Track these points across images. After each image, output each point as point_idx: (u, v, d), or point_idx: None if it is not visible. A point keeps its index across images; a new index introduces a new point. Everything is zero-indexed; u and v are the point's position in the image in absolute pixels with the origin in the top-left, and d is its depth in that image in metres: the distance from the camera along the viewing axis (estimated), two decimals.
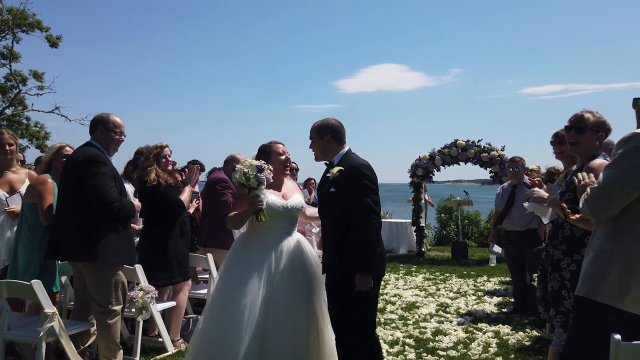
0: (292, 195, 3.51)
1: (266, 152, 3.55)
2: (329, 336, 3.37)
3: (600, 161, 2.96)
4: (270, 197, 3.37)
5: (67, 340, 3.41)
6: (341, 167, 3.19)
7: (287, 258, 3.33)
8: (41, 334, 3.27)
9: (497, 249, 6.61)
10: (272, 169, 3.30)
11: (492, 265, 9.77)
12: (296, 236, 3.50)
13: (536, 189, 3.40)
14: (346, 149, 3.35)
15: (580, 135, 3.04)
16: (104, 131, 3.73)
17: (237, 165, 3.27)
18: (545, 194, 3.29)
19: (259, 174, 3.19)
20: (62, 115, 22.11)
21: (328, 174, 3.26)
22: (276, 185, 3.51)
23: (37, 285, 3.33)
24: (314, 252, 3.54)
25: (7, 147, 4.38)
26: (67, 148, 4.31)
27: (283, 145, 3.60)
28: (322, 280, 3.42)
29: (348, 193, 3.13)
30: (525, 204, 3.47)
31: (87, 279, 3.65)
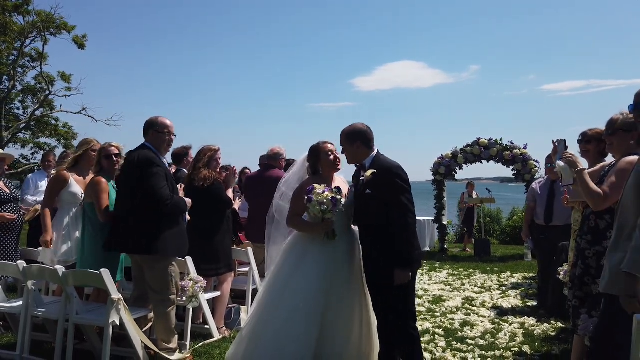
0: (345, 191, 3.71)
1: (316, 152, 3.78)
2: (374, 323, 3.63)
3: (628, 159, 3.09)
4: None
5: (133, 323, 3.75)
6: (374, 170, 3.39)
7: (346, 252, 3.62)
8: (110, 317, 3.61)
9: (530, 243, 6.74)
10: (344, 194, 3.56)
11: (527, 260, 9.95)
12: (353, 230, 3.74)
13: (575, 154, 3.45)
14: (375, 151, 3.55)
15: (611, 137, 3.23)
16: (155, 133, 4.05)
17: (313, 197, 3.45)
18: (580, 162, 3.37)
19: (334, 208, 3.44)
20: (89, 116, 22.76)
21: (362, 177, 3.46)
22: (328, 183, 3.70)
23: (106, 274, 3.68)
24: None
25: (94, 154, 4.75)
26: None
27: (331, 144, 3.79)
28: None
29: (383, 193, 3.34)
30: (558, 162, 3.50)
31: (146, 270, 3.99)
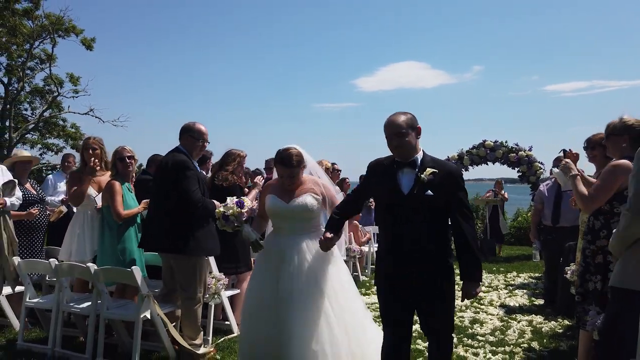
0: (299, 196, 3.61)
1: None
2: (355, 330, 3.51)
3: (613, 162, 3.37)
4: (270, 200, 3.65)
5: (163, 317, 3.94)
6: (434, 170, 3.00)
7: (295, 255, 3.51)
8: (141, 312, 3.81)
9: (538, 244, 6.90)
10: (243, 210, 3.60)
11: (536, 260, 10.05)
12: (309, 236, 3.60)
13: (570, 161, 3.75)
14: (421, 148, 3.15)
15: (607, 142, 3.49)
16: (189, 138, 4.24)
17: (218, 209, 3.70)
18: (574, 168, 3.66)
19: (227, 223, 3.63)
20: (96, 117, 23.02)
21: (422, 176, 3.00)
22: (283, 190, 3.66)
23: (137, 271, 3.88)
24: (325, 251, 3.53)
25: (91, 151, 4.96)
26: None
27: (286, 156, 3.58)
28: (340, 276, 3.60)
29: (452, 197, 3.01)
30: (553, 168, 3.84)
31: (177, 269, 4.16)
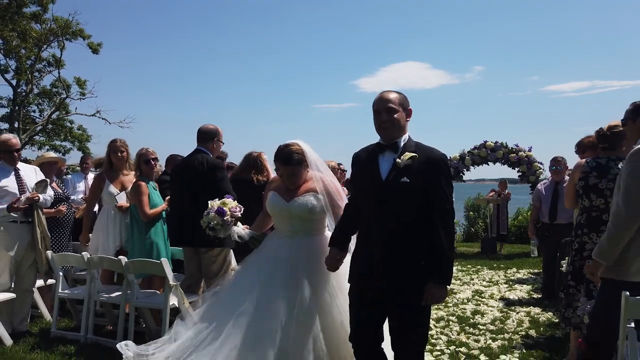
0: (301, 195, 3.38)
1: None
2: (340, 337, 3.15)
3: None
4: (271, 197, 3.48)
5: (188, 306, 4.26)
6: (414, 154, 2.72)
7: (290, 257, 3.30)
8: (170, 301, 4.14)
9: (536, 240, 7.26)
10: (225, 217, 3.44)
11: (534, 256, 10.35)
12: (309, 240, 3.37)
13: None
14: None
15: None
16: (217, 142, 4.61)
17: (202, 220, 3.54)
18: None
19: (213, 231, 3.52)
20: (102, 119, 23.40)
21: (399, 161, 2.73)
22: (286, 188, 3.45)
23: (165, 263, 4.21)
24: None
25: (119, 154, 5.30)
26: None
27: (286, 153, 3.36)
28: (339, 282, 3.23)
29: (429, 189, 2.70)
30: None
31: (208, 261, 4.48)
